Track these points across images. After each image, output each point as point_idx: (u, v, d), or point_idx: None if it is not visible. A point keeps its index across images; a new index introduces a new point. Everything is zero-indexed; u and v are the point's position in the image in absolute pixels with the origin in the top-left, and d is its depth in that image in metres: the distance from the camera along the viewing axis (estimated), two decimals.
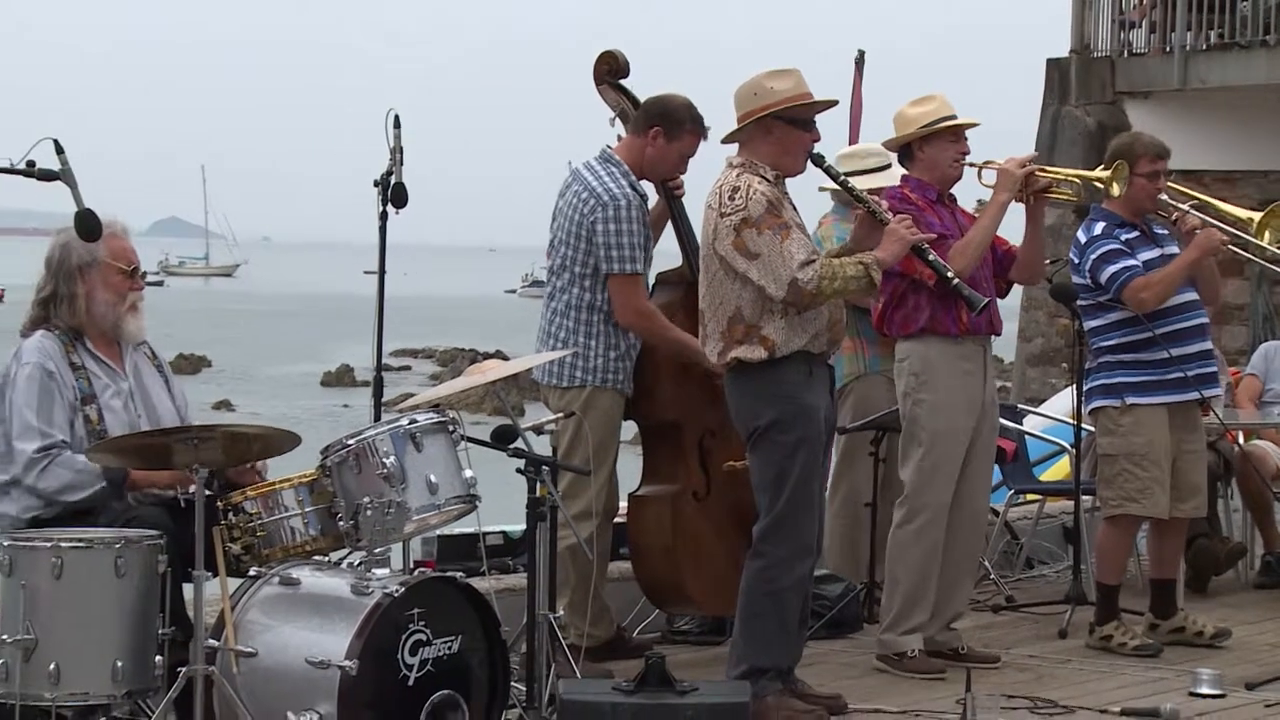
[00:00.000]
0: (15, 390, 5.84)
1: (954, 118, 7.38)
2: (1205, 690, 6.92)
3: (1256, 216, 7.75)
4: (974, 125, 7.46)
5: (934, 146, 7.37)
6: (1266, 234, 7.75)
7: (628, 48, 7.45)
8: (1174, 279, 7.57)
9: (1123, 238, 7.64)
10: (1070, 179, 7.67)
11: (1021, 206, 7.42)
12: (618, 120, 7.41)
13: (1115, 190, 7.58)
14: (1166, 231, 7.75)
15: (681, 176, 7.37)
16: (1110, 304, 7.65)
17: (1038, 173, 7.42)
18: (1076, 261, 7.73)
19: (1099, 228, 7.68)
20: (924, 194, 7.33)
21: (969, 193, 7.52)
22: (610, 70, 7.48)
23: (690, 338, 6.90)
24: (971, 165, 7.45)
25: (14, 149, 5.04)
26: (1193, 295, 7.69)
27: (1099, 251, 7.62)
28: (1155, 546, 8.06)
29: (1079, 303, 7.86)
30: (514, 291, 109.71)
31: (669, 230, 7.44)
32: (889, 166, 8.14)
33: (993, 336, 7.43)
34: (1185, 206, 7.74)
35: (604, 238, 6.99)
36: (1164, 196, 7.70)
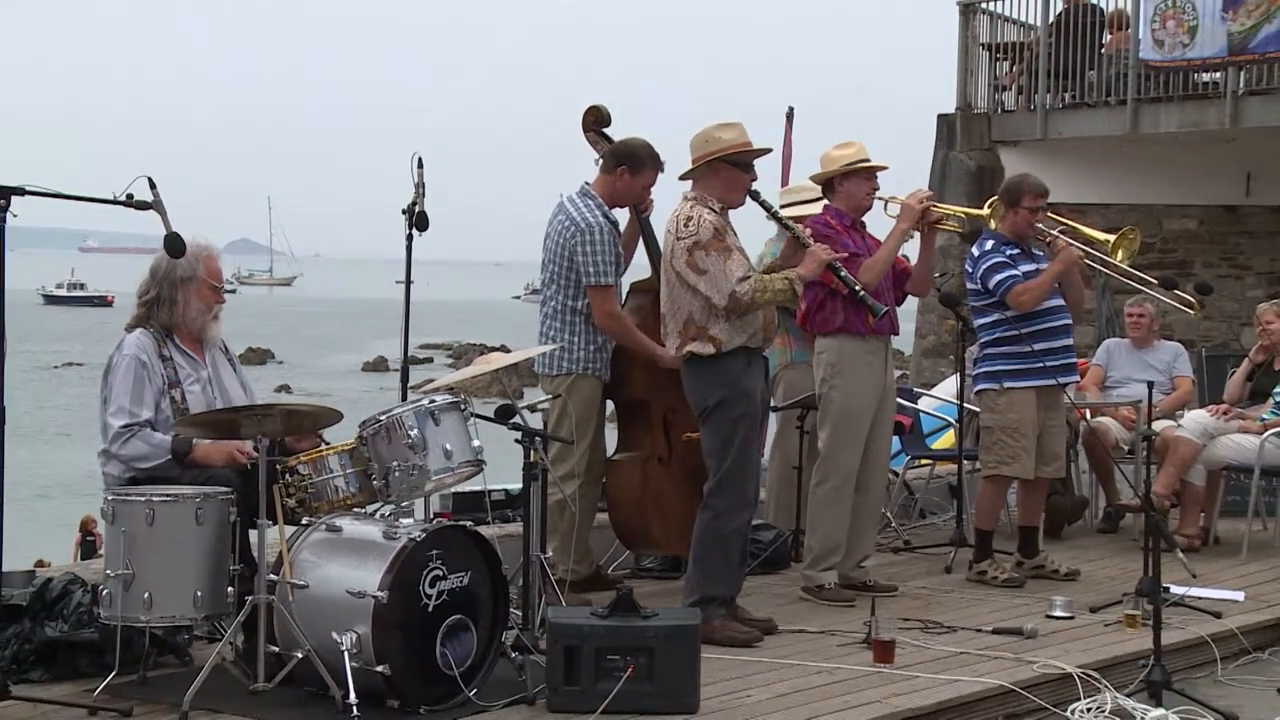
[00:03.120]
0: (116, 375, 5.80)
1: (869, 160, 7.38)
2: (1059, 613, 6.95)
3: (1111, 238, 7.78)
4: (884, 168, 7.44)
5: (852, 182, 7.36)
6: (1119, 252, 7.77)
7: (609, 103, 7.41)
8: (1044, 286, 7.61)
9: (1007, 253, 7.67)
10: (957, 213, 7.69)
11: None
12: (601, 161, 7.38)
13: (993, 223, 7.71)
14: (1043, 253, 7.78)
15: (650, 201, 7.34)
16: (992, 306, 7.67)
17: (932, 207, 7.43)
18: (970, 271, 7.76)
19: (989, 244, 7.72)
20: (841, 220, 7.32)
21: (877, 221, 7.54)
22: (596, 120, 7.42)
23: (646, 339, 6.90)
24: (881, 199, 7.45)
25: (121, 184, 5.03)
26: (1059, 302, 7.73)
27: (988, 263, 7.65)
28: (1022, 500, 8.08)
29: (970, 304, 7.89)
30: (518, 298, 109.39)
31: (641, 247, 7.40)
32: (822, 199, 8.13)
33: (893, 336, 7.43)
34: (1056, 232, 7.79)
35: (583, 257, 6.95)
36: (1040, 225, 7.75)
